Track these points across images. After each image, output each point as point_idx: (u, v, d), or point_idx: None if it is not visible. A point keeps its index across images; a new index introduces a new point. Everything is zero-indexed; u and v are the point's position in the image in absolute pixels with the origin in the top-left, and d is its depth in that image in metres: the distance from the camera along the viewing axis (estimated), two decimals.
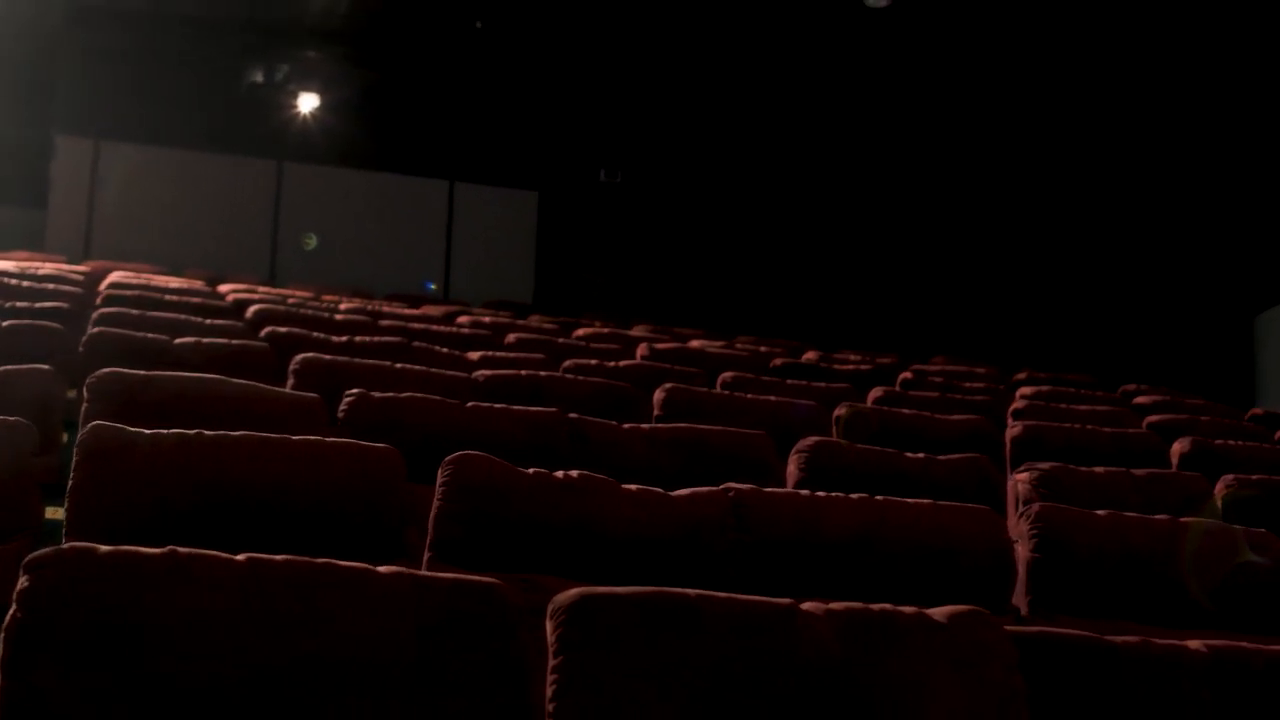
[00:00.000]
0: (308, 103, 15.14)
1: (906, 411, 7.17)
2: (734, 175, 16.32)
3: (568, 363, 8.05)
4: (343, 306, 10.74)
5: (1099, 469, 5.61)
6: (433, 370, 6.53)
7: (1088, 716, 2.52)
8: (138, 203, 14.55)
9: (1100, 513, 4.15)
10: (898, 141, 16.11)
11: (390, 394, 5.13)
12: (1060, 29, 14.39)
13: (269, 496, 3.48)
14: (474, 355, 7.94)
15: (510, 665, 2.36)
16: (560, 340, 9.82)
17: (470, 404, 5.19)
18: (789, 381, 8.40)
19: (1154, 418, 8.55)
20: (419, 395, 5.18)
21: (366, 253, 14.88)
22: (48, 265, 11.75)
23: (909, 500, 4.01)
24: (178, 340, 6.41)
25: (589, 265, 16.02)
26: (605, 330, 11.33)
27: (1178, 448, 7.27)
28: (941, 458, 5.43)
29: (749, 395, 7.06)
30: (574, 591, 2.42)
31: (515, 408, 5.23)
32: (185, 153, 14.60)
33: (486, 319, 11.16)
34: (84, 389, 4.67)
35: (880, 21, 14.01)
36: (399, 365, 6.51)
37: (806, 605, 2.52)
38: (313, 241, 14.57)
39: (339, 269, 14.54)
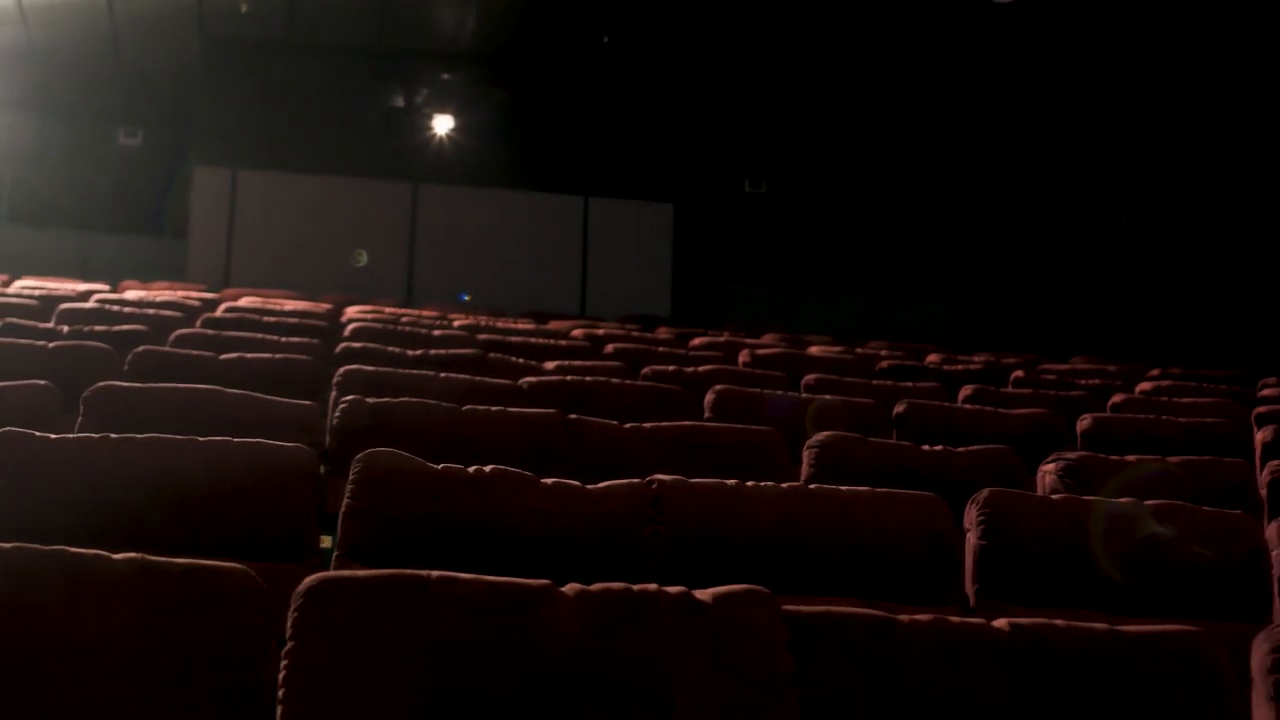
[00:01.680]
0: (440, 124, 15.36)
1: (968, 407, 6.95)
2: (875, 180, 16.11)
3: (645, 370, 8.01)
4: (456, 324, 10.84)
5: (1130, 457, 5.36)
6: (477, 379, 6.53)
7: (866, 695, 2.39)
8: (275, 230, 14.90)
9: (1055, 497, 3.97)
10: (1038, 141, 15.76)
11: (384, 399, 5.15)
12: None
13: None
14: (550, 365, 7.92)
15: (242, 651, 2.34)
16: (662, 350, 9.75)
17: (466, 407, 5.17)
18: (874, 383, 8.22)
19: None
20: (413, 400, 5.19)
21: (502, 271, 15.01)
22: (185, 292, 12.11)
23: (845, 489, 3.87)
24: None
25: (728, 276, 15.95)
26: (722, 340, 11.24)
27: (1260, 436, 6.97)
28: (960, 450, 5.25)
29: (826, 397, 6.89)
30: (315, 576, 2.39)
31: (512, 410, 5.20)
32: (320, 179, 14.91)
33: (600, 331, 11.16)
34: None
35: (1014, 18, 13.66)
36: (443, 375, 6.53)
37: (566, 588, 2.45)
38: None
39: (475, 289, 14.68)
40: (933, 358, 11.34)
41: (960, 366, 10.12)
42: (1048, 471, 5.26)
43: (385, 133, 15.08)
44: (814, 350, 11.13)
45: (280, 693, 2.26)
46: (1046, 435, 6.64)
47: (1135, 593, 3.79)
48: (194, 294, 11.99)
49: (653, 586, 2.44)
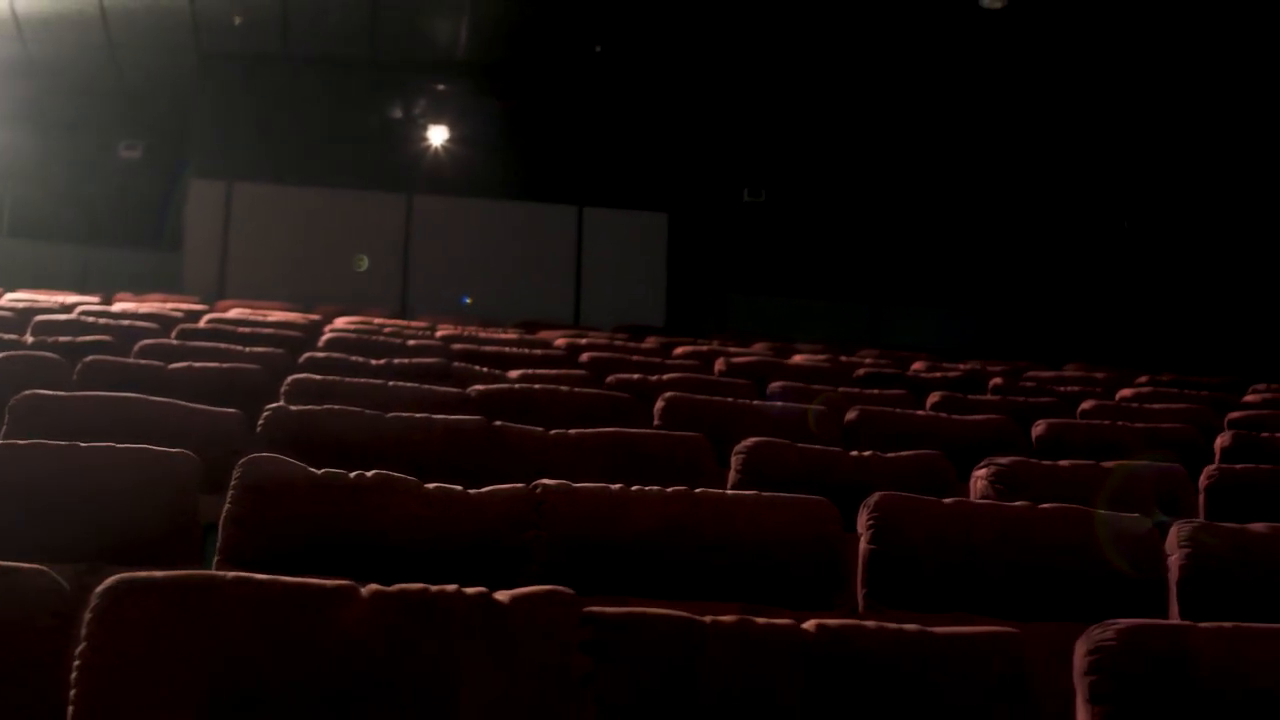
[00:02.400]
0: (434, 135, 15.40)
1: (921, 413, 6.92)
2: (877, 189, 16.09)
3: (609, 379, 8.01)
4: (438, 334, 10.86)
5: (1064, 462, 5.33)
6: (424, 387, 6.54)
7: (664, 695, 2.38)
8: (271, 242, 14.96)
9: (947, 501, 3.94)
10: (1038, 148, 15.72)
11: (307, 407, 5.15)
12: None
13: None
14: (514, 373, 7.91)
15: (38, 657, 2.34)
16: (638, 359, 9.75)
17: (390, 415, 5.17)
18: (840, 389, 8.20)
19: None
20: (337, 408, 5.19)
21: (497, 282, 15.03)
22: (176, 304, 12.17)
23: (731, 493, 3.86)
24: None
25: (727, 285, 15.94)
26: (705, 349, 11.22)
27: (1219, 441, 6.95)
28: (889, 455, 5.23)
29: (776, 404, 6.88)
30: (114, 577, 2.40)
31: (436, 418, 5.19)
32: (315, 190, 14.96)
33: (584, 341, 11.16)
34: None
35: (1006, 25, 13.62)
36: (391, 383, 6.54)
37: (365, 589, 2.44)
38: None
39: (471, 300, 14.71)
40: (918, 365, 11.32)
41: (939, 374, 10.07)
42: (979, 477, 5.22)
43: (380, 144, 15.12)
44: (798, 359, 11.11)
45: (71, 693, 2.27)
46: (999, 441, 6.62)
47: (1027, 596, 3.77)
48: (184, 306, 12.05)
49: (451, 588, 2.44)
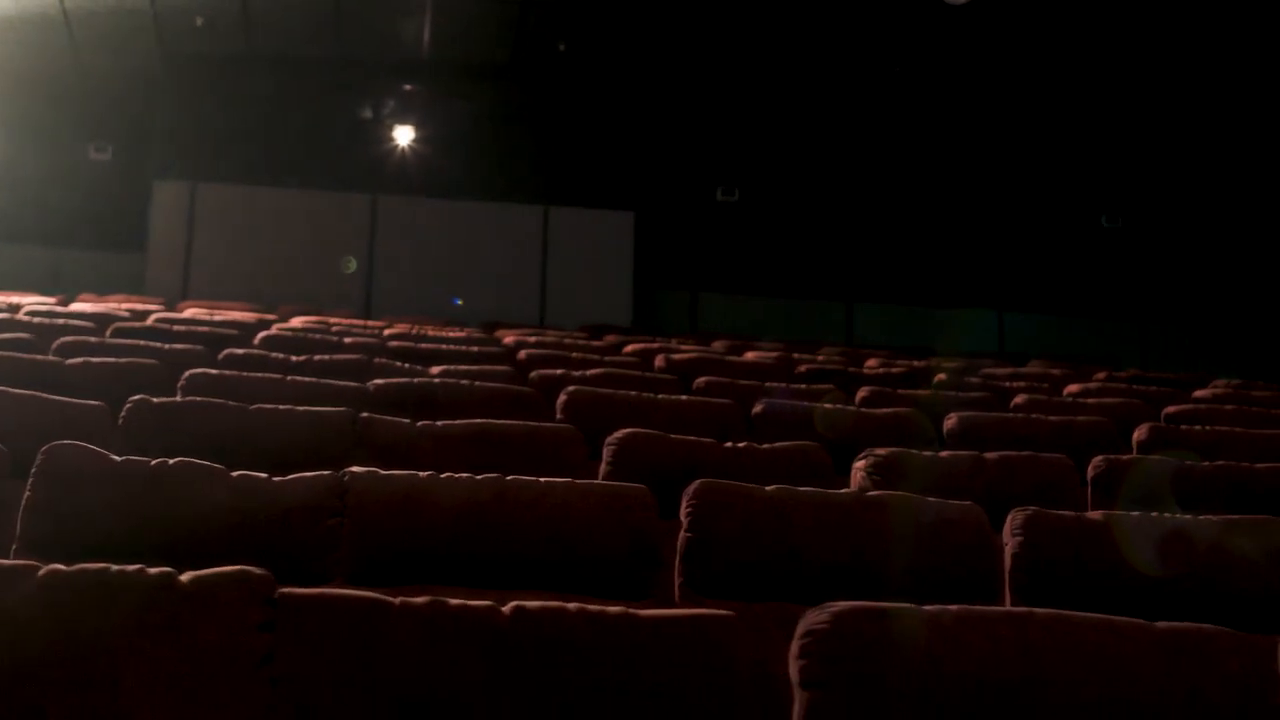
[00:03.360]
0: (399, 135, 15.36)
1: (829, 407, 6.84)
2: (851, 187, 16.01)
3: (533, 374, 7.99)
4: (386, 333, 10.82)
5: (946, 454, 5.25)
6: (322, 381, 6.48)
7: (344, 676, 2.32)
8: (235, 243, 14.94)
9: (769, 489, 3.87)
10: (1009, 144, 15.62)
11: (169, 400, 5.11)
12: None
13: None
14: (435, 369, 7.86)
15: None
16: (577, 355, 9.68)
17: (254, 407, 5.11)
18: (768, 384, 8.14)
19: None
20: (200, 400, 5.15)
21: (462, 282, 14.98)
22: (132, 305, 12.14)
23: (543, 480, 3.79)
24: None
25: (698, 284, 15.87)
26: (655, 346, 11.16)
27: (1136, 435, 6.88)
28: (764, 446, 5.15)
29: (682, 398, 6.81)
30: None
31: (300, 409, 5.14)
32: (279, 191, 14.94)
33: (532, 339, 11.11)
34: None
35: (973, 21, 13.54)
36: (290, 378, 6.49)
37: (43, 569, 2.38)
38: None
39: (434, 299, 14.66)
40: (872, 362, 11.24)
41: (883, 370, 10.00)
42: (858, 468, 5.16)
43: (344, 144, 15.09)
44: (749, 355, 11.06)
45: None
46: (904, 434, 6.54)
47: (847, 584, 3.69)
48: (139, 306, 12.01)
49: (134, 568, 2.37)
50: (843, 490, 3.89)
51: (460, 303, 14.59)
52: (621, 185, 15.34)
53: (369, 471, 3.77)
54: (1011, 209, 16.26)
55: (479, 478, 3.81)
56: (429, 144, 15.28)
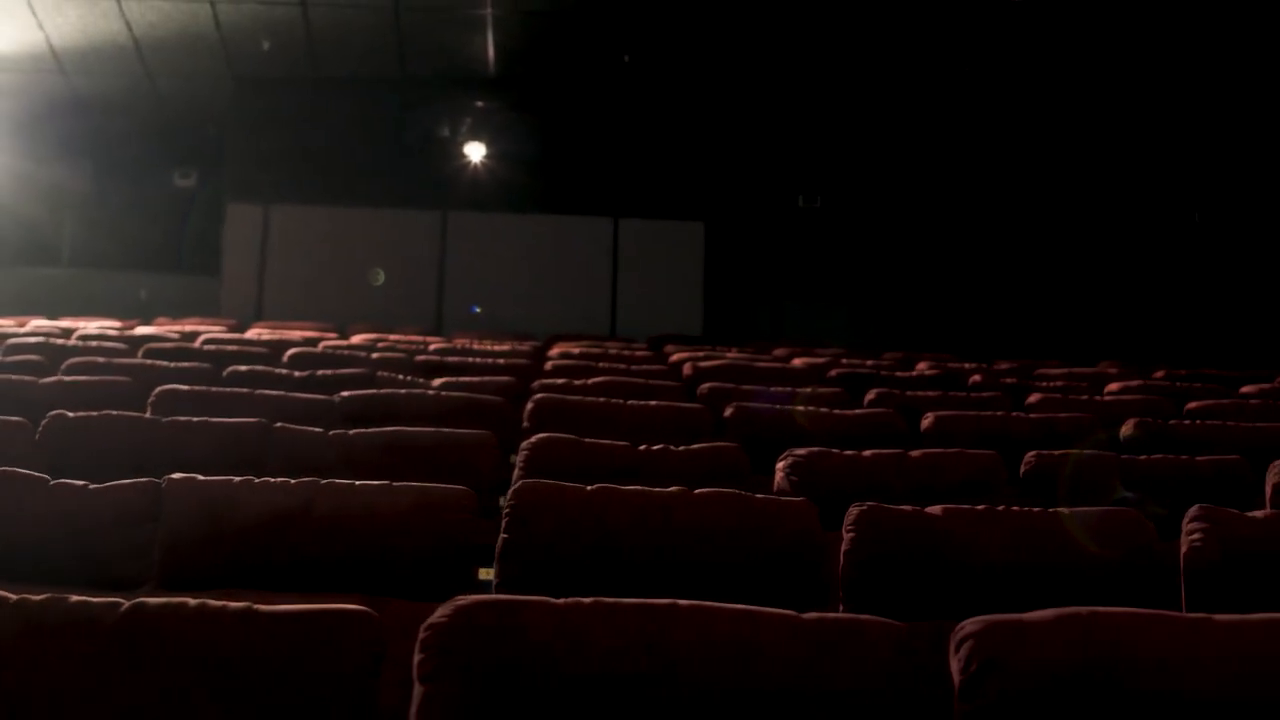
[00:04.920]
0: (468, 151, 15.46)
1: (803, 409, 6.74)
2: (932, 191, 15.81)
3: (536, 383, 8.01)
4: (431, 348, 10.91)
5: (869, 452, 5.14)
6: (292, 395, 6.56)
7: None
8: (307, 263, 15.16)
9: (590, 489, 3.82)
10: (1082, 142, 15.31)
11: (83, 414, 5.19)
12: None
13: None
14: (437, 382, 7.91)
15: None
16: (605, 365, 9.67)
17: (168, 419, 5.18)
18: (773, 390, 8.06)
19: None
20: (114, 414, 5.22)
21: (533, 296, 15.04)
22: (196, 326, 12.40)
23: (359, 483, 3.79)
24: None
25: (782, 292, 15.75)
26: (700, 353, 11.11)
27: (1124, 431, 6.70)
28: (679, 448, 5.10)
29: (649, 403, 6.76)
30: None
31: (214, 420, 5.20)
32: (349, 211, 15.12)
33: (576, 350, 11.12)
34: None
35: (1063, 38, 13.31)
36: (258, 392, 6.58)
37: None
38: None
39: (505, 314, 14.75)
40: (921, 365, 11.09)
41: (915, 373, 9.84)
42: (779, 468, 5.08)
43: (413, 162, 15.24)
44: (797, 362, 10.97)
45: None
46: (874, 434, 6.43)
47: (669, 582, 3.62)
48: (200, 328, 12.26)
49: None
50: (671, 489, 3.80)
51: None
52: (691, 195, 15.28)
53: (186, 478, 3.78)
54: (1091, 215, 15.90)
55: (292, 482, 3.81)
56: (497, 159, 15.37)
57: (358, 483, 3.79)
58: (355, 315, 14.09)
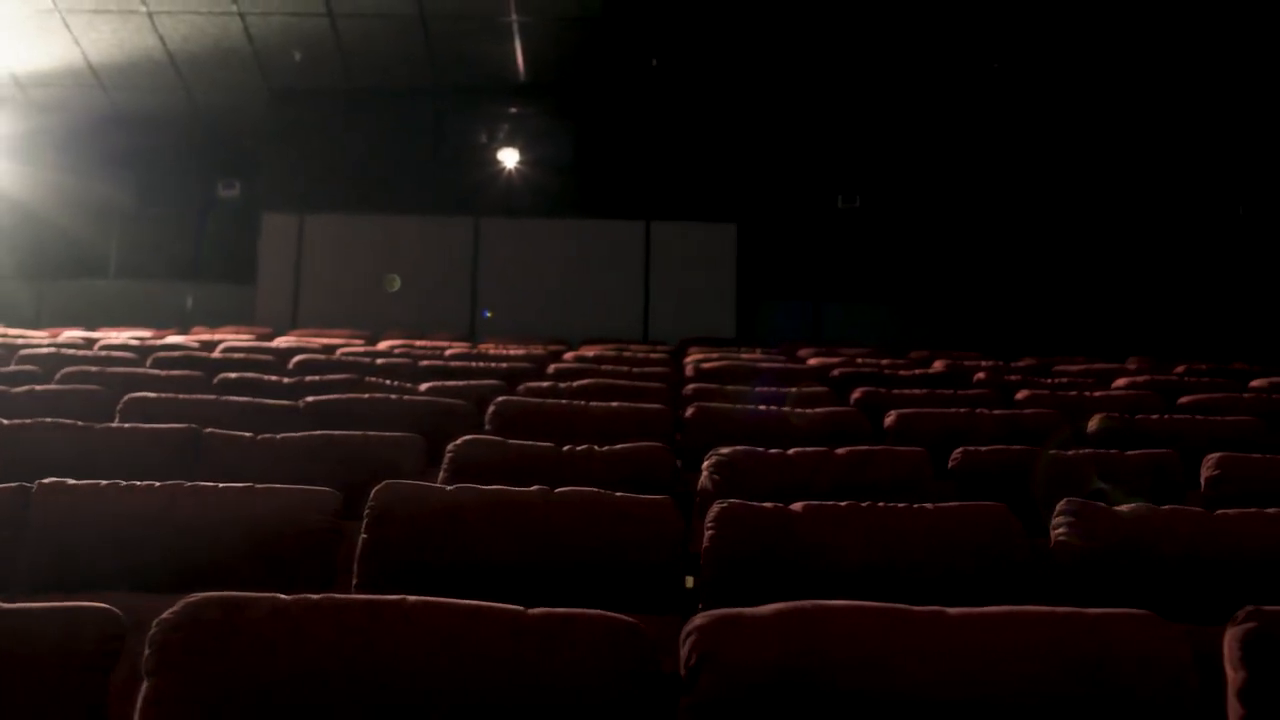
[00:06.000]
0: (499, 158, 15.53)
1: (764, 408, 6.74)
2: (970, 191, 15.68)
3: (520, 386, 8.05)
4: (447, 353, 10.98)
5: (794, 451, 5.13)
6: (257, 400, 6.64)
7: None
8: (340, 271, 15.30)
9: (450, 488, 3.85)
10: (1117, 142, 15.13)
11: (17, 421, 5.29)
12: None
13: None
14: (424, 387, 7.97)
15: None
16: (608, 367, 9.70)
17: (100, 426, 5.27)
18: (758, 389, 8.05)
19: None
20: (48, 421, 5.32)
21: (565, 300, 15.08)
22: (224, 335, 12.57)
23: (224, 485, 3.85)
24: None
25: (819, 294, 15.70)
26: (715, 354, 11.10)
27: (1090, 425, 6.65)
28: (603, 448, 5.11)
29: (610, 405, 6.78)
30: None
31: (148, 426, 5.28)
32: (383, 219, 15.24)
33: (591, 353, 11.17)
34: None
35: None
36: (224, 398, 6.67)
37: None
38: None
39: (537, 319, 14.81)
40: (937, 364, 11.02)
41: (920, 371, 9.79)
42: (705, 467, 5.09)
43: (446, 169, 15.33)
44: (812, 363, 10.94)
45: None
46: (839, 433, 6.42)
47: (525, 584, 3.66)
48: (229, 337, 12.43)
49: None
50: (532, 489, 3.82)
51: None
52: (723, 198, 15.25)
53: (55, 482, 3.85)
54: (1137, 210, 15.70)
55: (157, 485, 3.86)
56: (530, 165, 15.43)
57: (222, 485, 3.84)
58: (390, 322, 14.21)
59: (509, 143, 15.45)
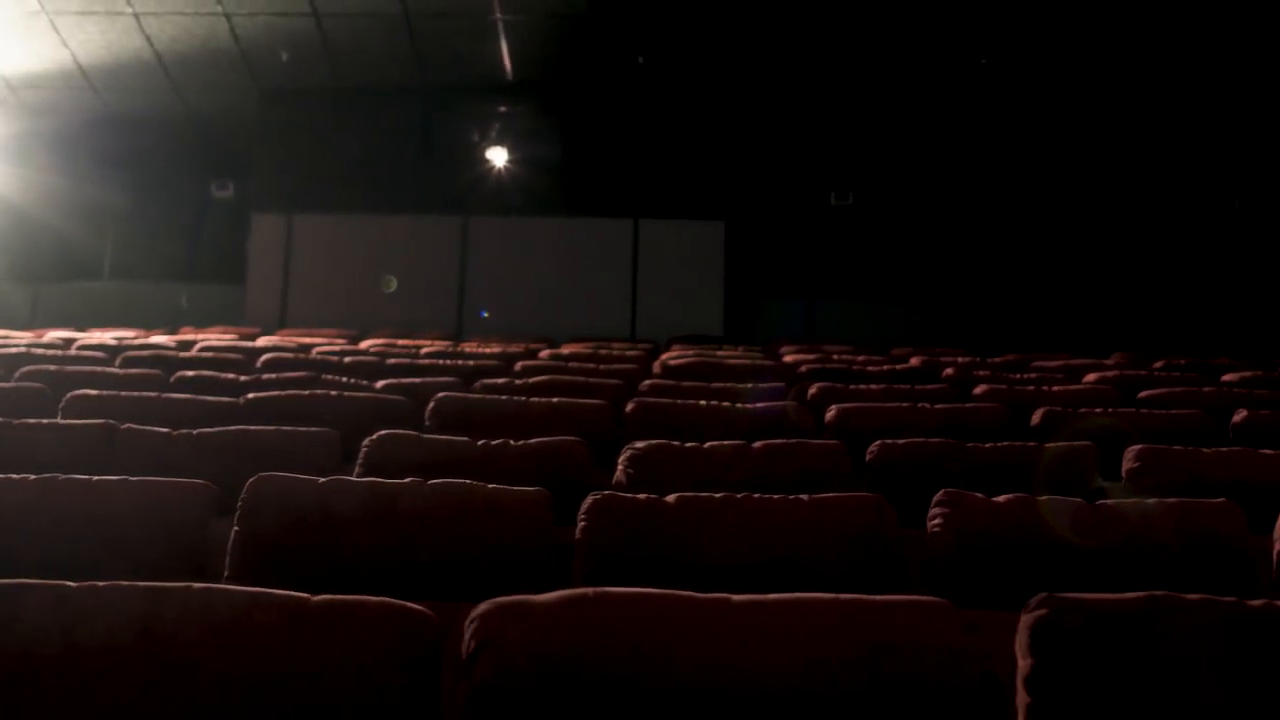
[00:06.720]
0: (487, 157, 15.51)
1: (712, 403, 6.72)
2: (962, 190, 15.63)
3: (475, 384, 8.05)
4: (423, 352, 10.98)
5: (709, 444, 5.11)
6: (200, 398, 6.65)
7: None
8: (329, 271, 15.32)
9: (322, 480, 3.83)
10: (1101, 140, 15.03)
11: None
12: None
13: None
14: (380, 384, 7.97)
15: None
16: (575, 364, 9.69)
17: (18, 421, 5.29)
18: (713, 385, 8.04)
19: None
20: None
21: (553, 298, 15.07)
22: (204, 335, 12.60)
23: (114, 479, 3.86)
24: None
25: (811, 292, 15.66)
26: (691, 352, 11.08)
27: (1033, 419, 6.63)
28: (517, 443, 5.10)
29: (550, 401, 6.75)
30: None
31: (65, 422, 5.32)
32: (371, 218, 15.24)
33: (565, 351, 11.16)
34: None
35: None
36: (166, 395, 6.68)
37: None
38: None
39: (526, 318, 14.80)
40: (914, 361, 10.99)
41: (887, 367, 9.75)
42: (619, 461, 5.07)
43: (434, 168, 15.32)
44: (788, 359, 10.92)
45: None
46: (779, 427, 6.41)
47: (412, 576, 3.65)
48: (213, 337, 12.45)
49: None
50: (404, 481, 3.80)
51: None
52: (711, 195, 15.20)
53: None
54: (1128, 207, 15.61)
55: (32, 478, 3.87)
56: (518, 164, 15.41)
57: (94, 478, 3.84)
58: (378, 321, 14.23)
59: (497, 142, 15.43)
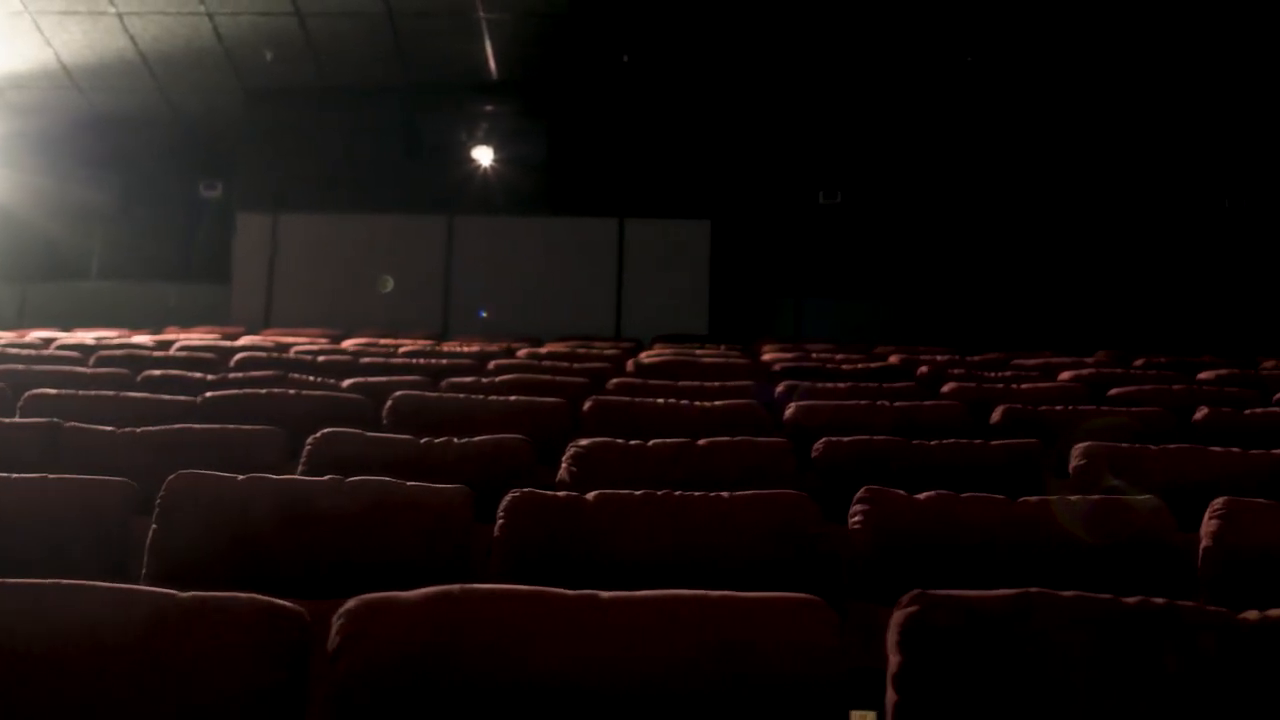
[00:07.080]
0: (474, 156, 15.49)
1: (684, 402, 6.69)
2: (951, 188, 15.60)
3: (443, 383, 8.04)
4: (402, 350, 10.98)
5: (653, 442, 5.09)
6: (156, 396, 6.65)
7: None
8: (314, 271, 15.32)
9: (240, 478, 3.82)
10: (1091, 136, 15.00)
11: None
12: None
13: None
14: (347, 383, 7.97)
15: None
16: (547, 363, 9.68)
17: None
18: (681, 384, 8.03)
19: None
20: None
21: (539, 298, 15.06)
22: (187, 334, 12.61)
23: (39, 476, 3.87)
24: None
25: (801, 290, 15.64)
26: (668, 351, 11.08)
27: (993, 416, 6.61)
28: (460, 441, 5.09)
29: (508, 399, 6.74)
30: None
31: (10, 420, 5.31)
32: (356, 218, 15.24)
33: (544, 350, 11.15)
34: None
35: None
36: (124, 394, 6.68)
37: None
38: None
39: (512, 317, 14.79)
40: (894, 359, 10.98)
41: (861, 366, 9.73)
42: (563, 459, 5.05)
43: (419, 168, 15.32)
44: (766, 358, 10.90)
45: None
46: (740, 423, 6.39)
47: (329, 576, 3.64)
48: (192, 337, 12.46)
49: None
50: (323, 478, 3.79)
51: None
52: (697, 194, 15.18)
53: None
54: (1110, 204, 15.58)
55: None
56: (503, 163, 15.41)
57: (17, 475, 3.84)
58: (364, 321, 14.22)
59: (482, 141, 15.43)
